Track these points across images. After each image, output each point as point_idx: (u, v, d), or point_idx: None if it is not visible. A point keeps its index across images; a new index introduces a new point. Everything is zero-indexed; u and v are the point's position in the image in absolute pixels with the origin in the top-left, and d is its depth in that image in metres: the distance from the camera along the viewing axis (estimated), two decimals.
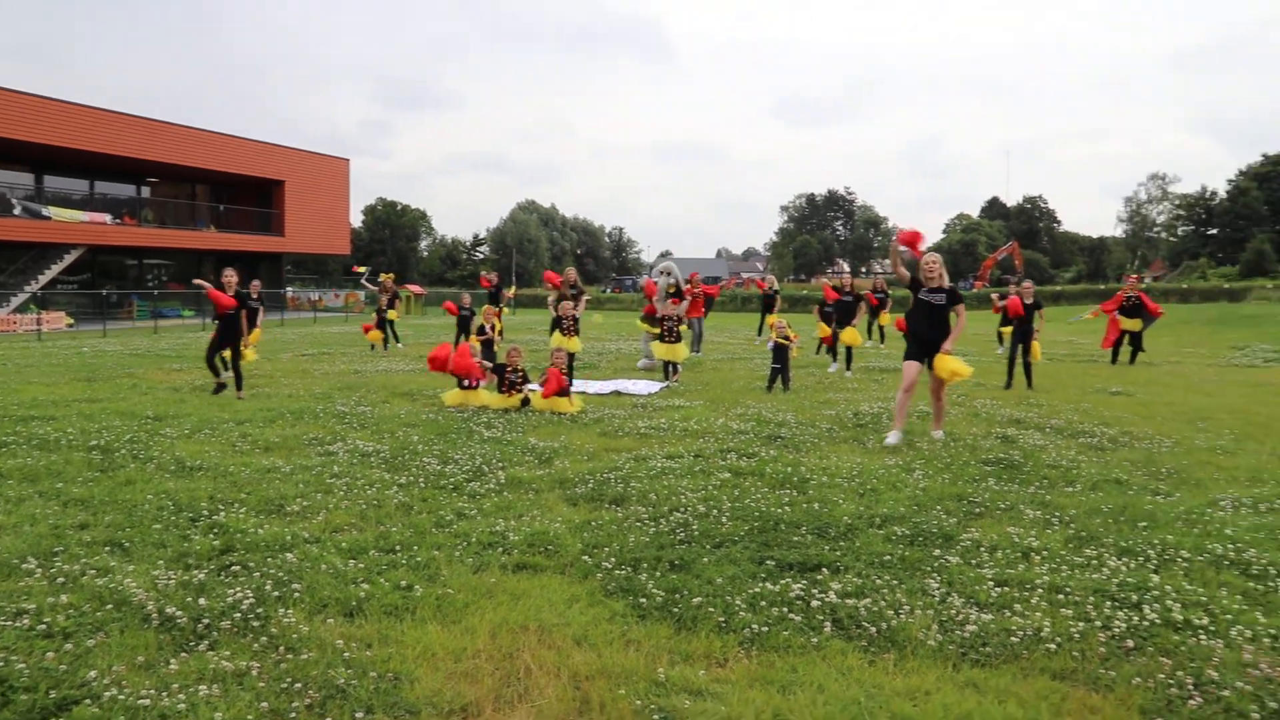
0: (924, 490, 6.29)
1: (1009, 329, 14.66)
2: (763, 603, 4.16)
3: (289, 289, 46.96)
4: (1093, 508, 5.89)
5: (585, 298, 15.06)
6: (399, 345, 20.56)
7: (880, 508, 5.75)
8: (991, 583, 4.45)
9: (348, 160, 47.19)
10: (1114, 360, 17.23)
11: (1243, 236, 70.27)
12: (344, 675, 3.41)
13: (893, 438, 8.14)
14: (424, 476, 6.73)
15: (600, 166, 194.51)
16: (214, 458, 7.29)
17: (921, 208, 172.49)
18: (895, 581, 4.45)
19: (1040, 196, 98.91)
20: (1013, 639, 3.81)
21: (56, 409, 9.80)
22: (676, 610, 4.09)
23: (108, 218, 34.94)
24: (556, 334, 13.41)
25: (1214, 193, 79.06)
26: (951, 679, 3.50)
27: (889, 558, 4.81)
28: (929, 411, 9.03)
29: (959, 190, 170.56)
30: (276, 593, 4.21)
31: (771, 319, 17.54)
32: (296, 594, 4.21)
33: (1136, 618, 4.02)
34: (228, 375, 11.60)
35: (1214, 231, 77.06)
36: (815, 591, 4.28)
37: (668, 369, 13.30)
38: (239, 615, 3.93)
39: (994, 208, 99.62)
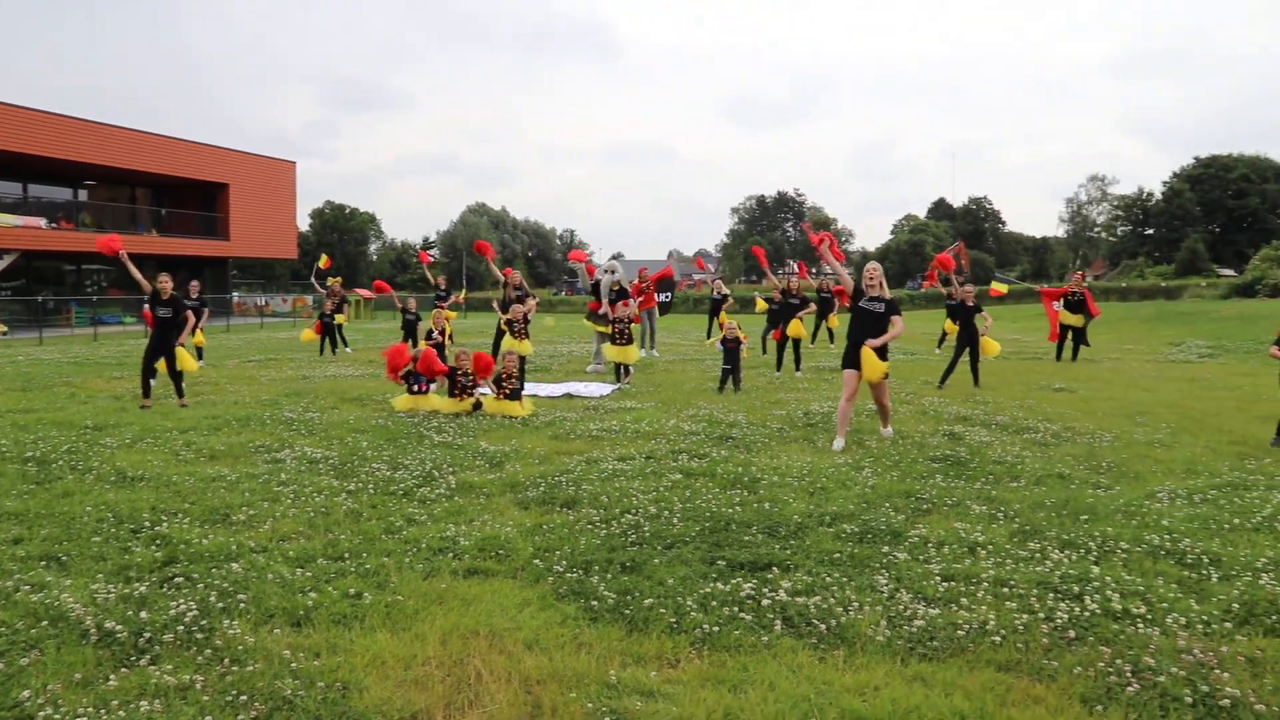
0: (873, 488, 6.37)
1: (954, 327, 14.88)
2: (714, 603, 4.18)
3: (235, 294, 46.08)
4: (1036, 502, 6.01)
5: (534, 300, 15.00)
6: (348, 350, 20.28)
7: (830, 506, 5.81)
8: (939, 578, 4.52)
9: (294, 163, 46.45)
10: (1058, 357, 17.62)
11: (1177, 236, 72.36)
12: (291, 686, 3.36)
13: (837, 444, 8.16)
14: (373, 483, 6.66)
15: (551, 168, 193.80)
16: (156, 467, 7.13)
17: (870, 209, 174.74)
18: (845, 579, 4.50)
19: (985, 198, 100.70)
20: (959, 633, 3.87)
21: None
22: (628, 612, 4.09)
23: (43, 222, 33.95)
24: (507, 337, 13.35)
25: (1150, 194, 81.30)
26: (900, 674, 3.55)
27: (838, 555, 4.86)
28: (875, 409, 9.13)
29: (906, 192, 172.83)
30: (221, 604, 4.13)
31: (722, 318, 17.65)
32: (242, 605, 4.13)
33: (1078, 608, 4.11)
34: (171, 396, 11.23)
35: (1150, 232, 79.23)
36: (766, 590, 4.31)
37: (619, 371, 13.30)
38: (182, 628, 3.85)
39: (940, 209, 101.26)
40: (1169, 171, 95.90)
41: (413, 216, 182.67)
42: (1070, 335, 17.54)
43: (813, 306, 15.97)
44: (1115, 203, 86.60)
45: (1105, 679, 3.46)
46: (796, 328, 14.76)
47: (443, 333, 13.97)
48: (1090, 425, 9.27)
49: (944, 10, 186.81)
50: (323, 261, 25.26)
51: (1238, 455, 7.78)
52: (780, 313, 15.10)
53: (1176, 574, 4.64)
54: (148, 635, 3.78)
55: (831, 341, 20.73)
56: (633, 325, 13.64)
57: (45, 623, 3.92)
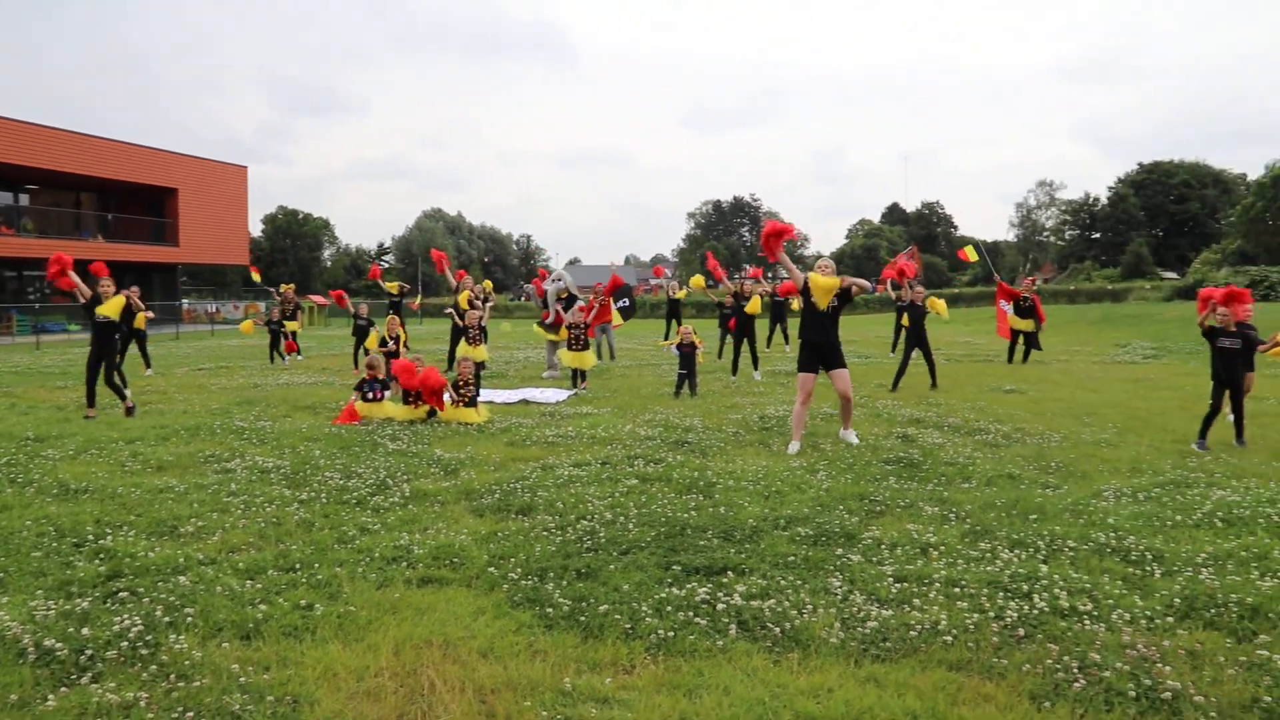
0: (827, 491, 6.42)
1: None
2: (669, 608, 4.19)
3: (184, 301, 45.23)
4: (987, 502, 6.11)
5: (490, 304, 14.94)
6: (299, 358, 20.01)
7: (785, 509, 5.84)
8: (891, 579, 4.57)
9: (245, 167, 45.77)
10: (1010, 359, 17.93)
11: (1123, 240, 74.02)
12: (240, 701, 3.30)
13: (792, 448, 8.19)
14: (326, 492, 6.57)
15: (507, 173, 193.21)
16: (101, 479, 6.97)
17: (825, 214, 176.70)
18: (799, 582, 4.53)
19: (938, 202, 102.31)
20: (911, 633, 3.91)
21: None
22: (583, 619, 4.08)
23: None
24: (462, 343, 13.26)
25: (1096, 199, 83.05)
26: (853, 675, 3.58)
27: (793, 558, 4.90)
28: (833, 413, 9.23)
29: (860, 196, 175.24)
30: (168, 618, 4.04)
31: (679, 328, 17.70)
32: (189, 618, 4.05)
33: (1027, 607, 4.18)
34: (129, 392, 10.98)
35: (1097, 236, 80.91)
36: (721, 595, 4.33)
37: (575, 377, 13.28)
38: (126, 644, 3.75)
39: (894, 213, 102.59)
40: (1114, 177, 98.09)
41: (367, 222, 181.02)
42: (1022, 338, 17.86)
43: (766, 287, 16.14)
44: (1063, 207, 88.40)
45: (1053, 675, 3.52)
46: (755, 304, 14.66)
47: (397, 340, 13.86)
48: (1040, 426, 9.44)
49: (894, 20, 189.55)
50: (254, 275, 24.89)
51: (1180, 454, 7.97)
52: (734, 315, 15.19)
53: (1121, 571, 4.73)
54: (89, 652, 3.69)
55: (786, 344, 20.88)
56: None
57: None
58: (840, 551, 5.03)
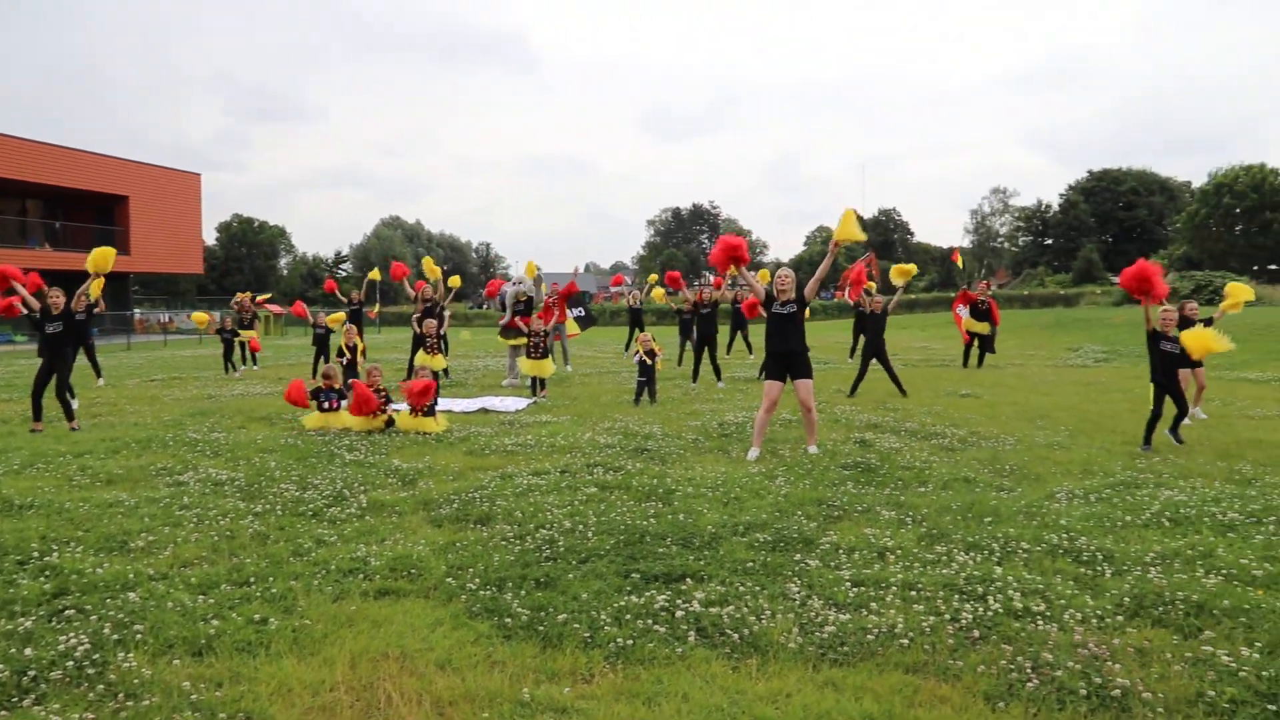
0: (786, 496, 6.46)
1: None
2: (628, 616, 4.18)
3: (136, 310, 44.39)
4: (943, 506, 6.18)
5: (449, 314, 14.85)
6: (254, 367, 19.72)
7: (744, 515, 5.87)
8: (849, 583, 4.61)
9: (199, 174, 45.02)
10: (965, 364, 18.20)
11: (1074, 246, 75.50)
12: (191, 719, 3.24)
13: (752, 454, 8.22)
14: (281, 504, 6.47)
15: (466, 181, 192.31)
16: (47, 494, 6.79)
17: (783, 220, 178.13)
18: (758, 587, 4.55)
19: (894, 209, 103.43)
20: (869, 637, 3.95)
21: None
22: (542, 628, 4.06)
23: None
24: (420, 352, 13.15)
25: (1048, 205, 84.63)
26: (811, 679, 3.60)
27: (752, 564, 4.91)
28: (792, 419, 9.28)
29: (818, 203, 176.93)
30: (116, 636, 3.95)
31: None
32: (139, 636, 3.96)
33: (982, 609, 4.23)
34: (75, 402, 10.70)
35: (1049, 242, 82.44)
36: (680, 602, 4.33)
37: (535, 385, 13.23)
38: (72, 664, 3.66)
39: None
40: (1065, 184, 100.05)
41: (325, 230, 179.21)
42: (977, 342, 18.15)
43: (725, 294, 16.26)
44: (1016, 214, 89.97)
45: (1007, 676, 3.57)
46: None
47: (355, 349, 13.71)
48: (994, 429, 9.58)
49: (849, 31, 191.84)
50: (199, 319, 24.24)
51: (1129, 455, 8.13)
52: (694, 322, 15.24)
53: (1073, 571, 4.82)
54: (32, 673, 3.59)
55: (750, 353, 21.01)
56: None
57: None
58: (798, 557, 5.06)
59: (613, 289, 53.05)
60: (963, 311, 18.18)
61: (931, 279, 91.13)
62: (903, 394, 12.80)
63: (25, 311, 10.47)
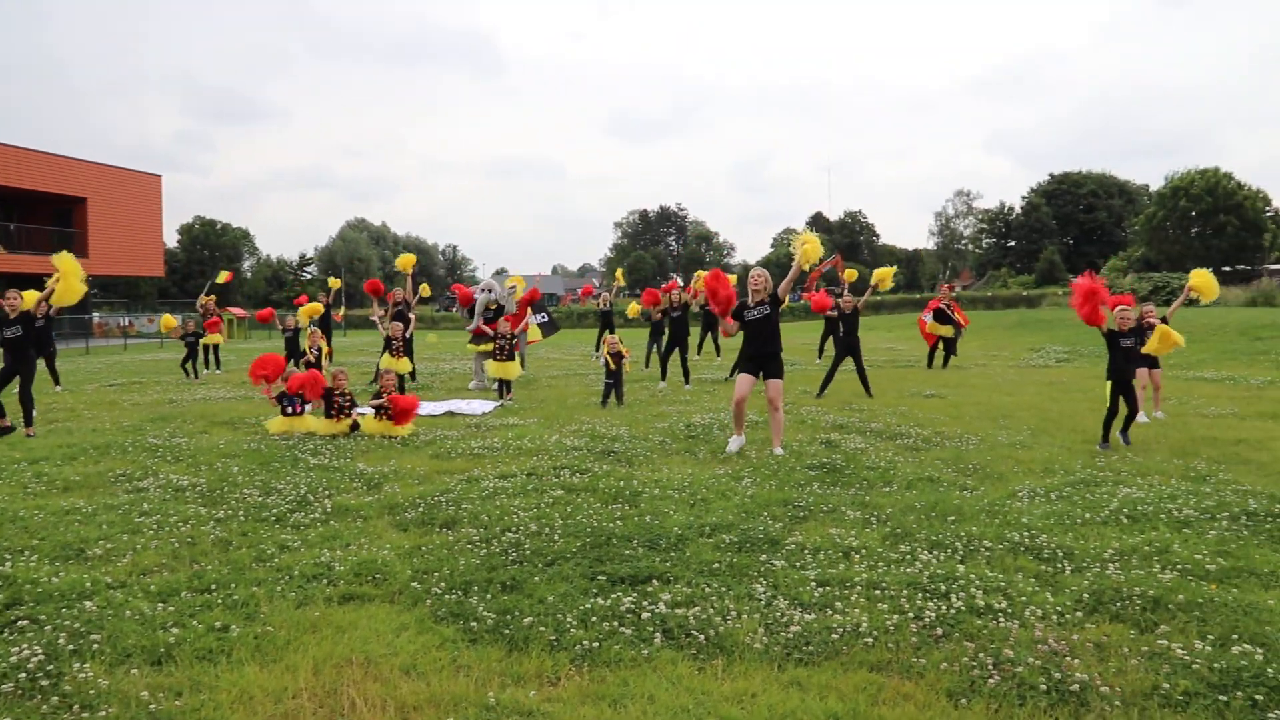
0: (752, 497, 6.48)
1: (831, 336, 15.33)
2: (594, 618, 4.18)
3: (95, 314, 43.60)
4: (907, 505, 6.23)
5: (414, 318, 14.74)
6: (218, 371, 19.47)
7: (710, 517, 5.88)
8: (814, 583, 4.64)
9: (159, 176, 44.37)
10: (929, 365, 18.39)
11: (1036, 248, 76.64)
12: None
13: (734, 444, 8.38)
14: (244, 509, 6.39)
15: (432, 183, 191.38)
16: (1, 502, 6.65)
17: (750, 222, 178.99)
18: (724, 588, 4.56)
19: (860, 211, 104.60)
20: (833, 636, 3.97)
21: None
22: (508, 632, 4.04)
23: None
24: (386, 355, 13.05)
25: (1011, 208, 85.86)
26: (777, 679, 3.62)
27: (718, 565, 4.93)
28: (758, 420, 9.33)
29: (785, 206, 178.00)
30: (72, 646, 3.88)
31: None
32: (96, 645, 3.89)
33: (945, 606, 4.28)
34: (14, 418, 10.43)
35: (1012, 243, 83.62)
36: (646, 603, 4.33)
37: (501, 388, 13.18)
38: (24, 675, 3.59)
39: (818, 222, 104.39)
40: (1027, 187, 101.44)
41: (289, 232, 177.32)
42: (941, 344, 18.35)
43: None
44: (980, 216, 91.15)
45: (969, 673, 3.61)
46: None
47: (320, 352, 13.57)
48: (958, 429, 9.69)
49: (815, 35, 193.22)
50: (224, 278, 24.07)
51: (1089, 453, 8.26)
52: (663, 326, 15.28)
53: (1034, 568, 4.88)
54: None
55: (718, 355, 21.06)
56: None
57: None
58: (764, 557, 5.08)
59: (585, 299, 52.97)
60: (926, 317, 18.41)
61: (897, 280, 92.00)
62: (869, 395, 12.90)
63: None
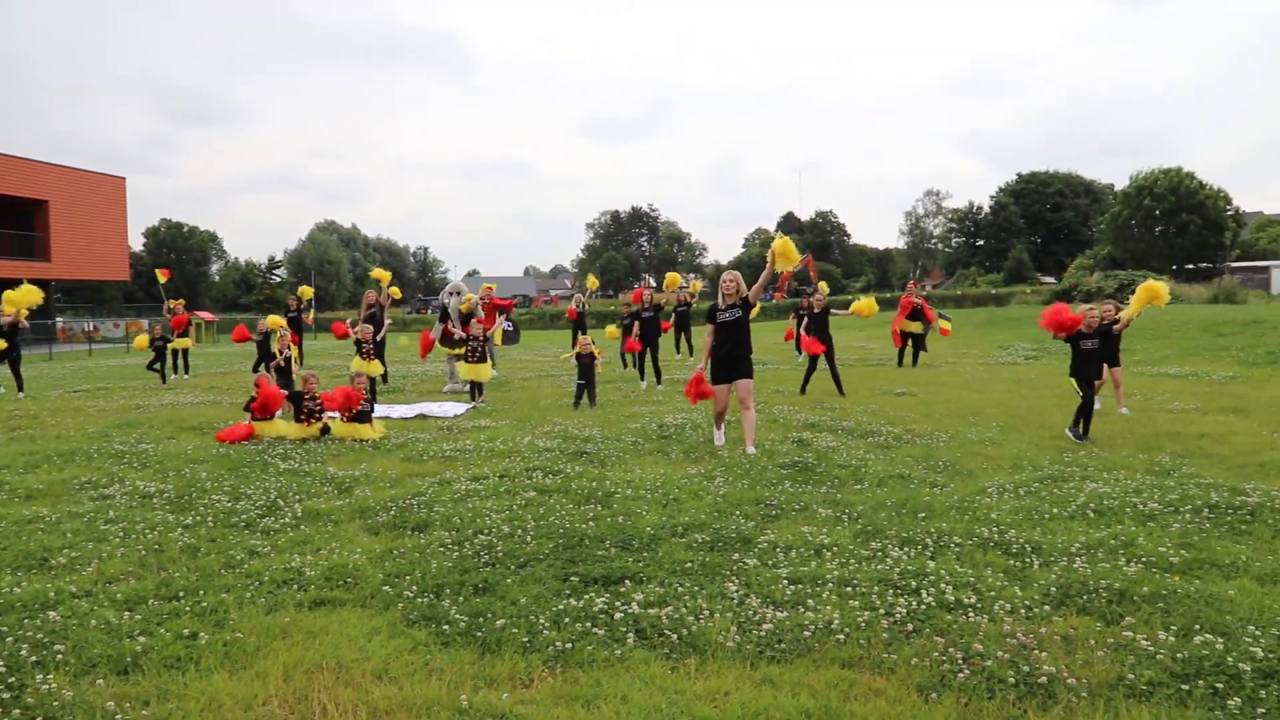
0: (724, 497, 6.50)
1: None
2: (567, 619, 4.17)
3: (58, 319, 42.89)
4: (878, 503, 6.28)
5: (389, 322, 14.65)
6: (186, 376, 19.23)
7: (682, 516, 5.90)
8: (786, 581, 4.66)
9: (123, 178, 43.77)
10: (900, 363, 18.53)
11: (1005, 247, 77.42)
12: None
13: (719, 440, 8.75)
14: (213, 515, 6.32)
15: (403, 185, 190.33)
16: None
17: (722, 222, 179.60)
18: (696, 588, 4.58)
19: (831, 211, 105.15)
20: (805, 633, 4.00)
21: None
22: (480, 634, 4.03)
23: None
24: (356, 359, 12.96)
25: (980, 207, 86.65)
26: (749, 677, 3.63)
27: (690, 565, 4.94)
28: (731, 419, 9.34)
29: (756, 206, 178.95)
30: (35, 657, 3.81)
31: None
32: (60, 656, 3.83)
33: (915, 602, 4.32)
34: None
35: (981, 242, 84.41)
36: (619, 604, 4.33)
37: (473, 390, 13.13)
38: None
39: (789, 222, 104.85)
40: (995, 186, 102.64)
41: (258, 234, 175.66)
42: (910, 342, 18.50)
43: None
44: (949, 216, 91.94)
45: (939, 667, 3.64)
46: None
47: (289, 356, 13.46)
48: (929, 427, 9.78)
49: (787, 35, 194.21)
50: (161, 277, 23.90)
51: (1057, 449, 8.37)
52: (638, 325, 15.28)
53: (1003, 563, 4.94)
54: None
55: (691, 355, 21.10)
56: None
57: None
58: (737, 556, 5.10)
59: (554, 291, 53.02)
60: (902, 319, 18.52)
61: (868, 280, 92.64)
62: (841, 394, 13.00)
63: None
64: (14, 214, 38.59)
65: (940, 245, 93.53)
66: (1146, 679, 3.46)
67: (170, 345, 18.85)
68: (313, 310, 28.41)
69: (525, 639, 3.97)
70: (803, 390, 13.31)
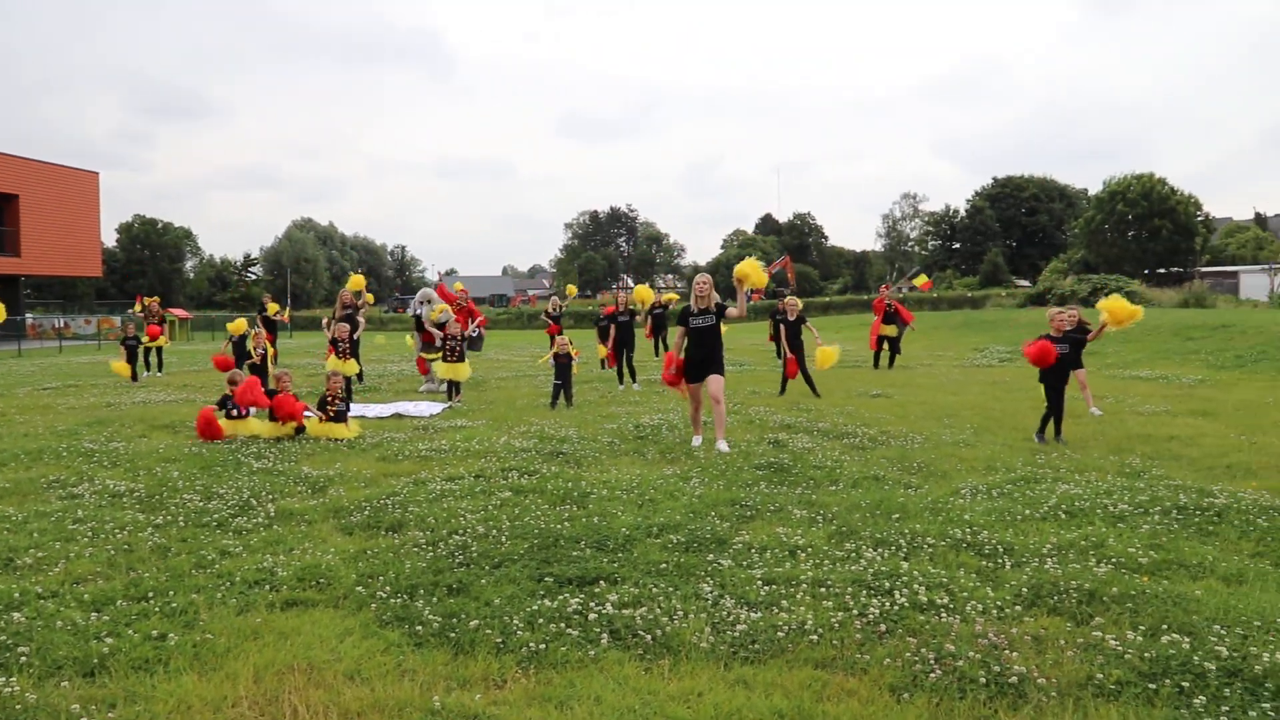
0: (700, 498, 6.51)
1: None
2: (541, 620, 4.16)
3: (29, 315, 42.30)
4: (853, 504, 6.31)
5: (363, 323, 14.55)
6: (159, 374, 19.03)
7: (658, 517, 5.89)
8: (760, 582, 4.67)
9: (97, 173, 43.28)
10: (875, 365, 18.64)
11: (981, 250, 78.15)
12: None
13: (696, 440, 8.79)
14: (184, 515, 6.26)
15: (381, 183, 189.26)
16: None
17: (700, 223, 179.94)
18: (671, 588, 4.58)
19: (809, 213, 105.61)
20: (779, 634, 4.00)
21: None
22: (454, 635, 4.01)
23: None
24: (331, 357, 12.86)
25: (956, 211, 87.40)
26: (723, 678, 3.64)
27: (665, 565, 4.94)
28: (704, 419, 9.36)
29: (735, 207, 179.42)
30: None
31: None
32: (24, 658, 3.77)
33: (889, 603, 4.34)
34: None
35: (957, 246, 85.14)
36: (593, 604, 4.32)
37: (450, 389, 13.07)
38: None
39: (767, 224, 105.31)
40: (972, 190, 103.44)
41: (234, 231, 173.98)
42: (886, 344, 18.62)
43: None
44: (926, 219, 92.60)
45: (911, 668, 3.66)
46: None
47: (264, 355, 13.35)
48: (904, 428, 9.83)
49: (767, 38, 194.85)
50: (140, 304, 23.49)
51: (1030, 451, 8.44)
52: (613, 327, 15.28)
53: (976, 564, 4.97)
54: None
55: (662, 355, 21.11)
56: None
57: None
58: (711, 557, 5.11)
59: (531, 291, 53.04)
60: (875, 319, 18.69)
61: (845, 282, 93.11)
62: (815, 395, 13.05)
63: None
64: None
65: (916, 248, 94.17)
66: (1115, 678, 3.50)
67: (143, 344, 18.64)
68: (288, 309, 28.17)
69: (499, 640, 3.95)
70: (781, 392, 13.39)
